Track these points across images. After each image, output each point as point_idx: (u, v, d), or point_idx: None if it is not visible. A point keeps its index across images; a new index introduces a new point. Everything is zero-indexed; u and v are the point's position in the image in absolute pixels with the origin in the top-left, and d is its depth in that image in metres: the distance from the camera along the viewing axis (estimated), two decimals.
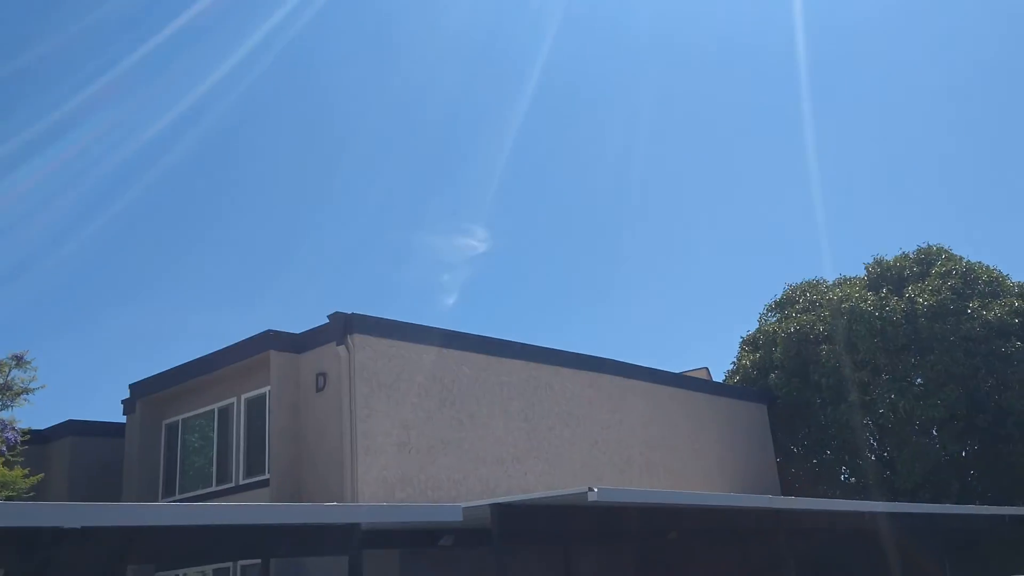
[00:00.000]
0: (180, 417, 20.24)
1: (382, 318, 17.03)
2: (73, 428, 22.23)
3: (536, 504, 9.80)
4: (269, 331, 17.18)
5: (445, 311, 48.65)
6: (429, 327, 17.97)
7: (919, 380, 24.63)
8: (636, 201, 47.43)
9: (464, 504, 11.77)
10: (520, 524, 9.86)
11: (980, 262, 25.88)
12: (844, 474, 25.73)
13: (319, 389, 16.93)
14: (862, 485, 25.43)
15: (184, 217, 43.04)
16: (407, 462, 16.86)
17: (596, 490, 8.98)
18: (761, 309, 28.90)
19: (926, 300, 24.48)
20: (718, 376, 28.88)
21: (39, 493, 16.85)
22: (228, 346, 18.09)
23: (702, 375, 27.19)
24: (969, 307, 24.20)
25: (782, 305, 28.15)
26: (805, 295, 27.62)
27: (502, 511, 9.67)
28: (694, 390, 25.04)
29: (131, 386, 20.68)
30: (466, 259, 46.88)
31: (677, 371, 27.55)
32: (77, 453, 22.30)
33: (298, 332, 17.57)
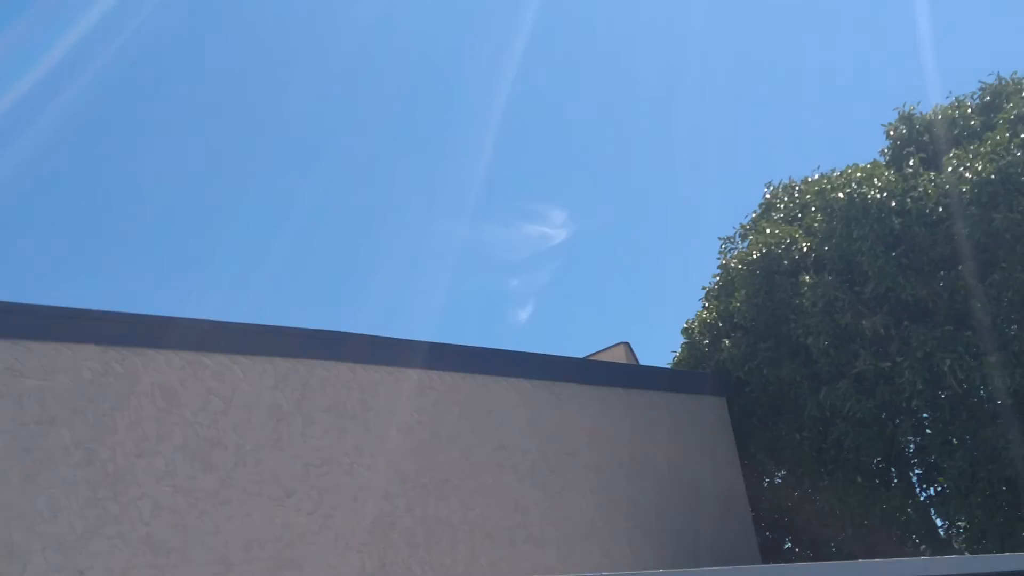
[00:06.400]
0: None
1: None
2: None
3: None
4: None
5: (517, 330, 38.03)
6: None
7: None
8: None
9: None
10: None
11: None
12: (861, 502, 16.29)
13: None
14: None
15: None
16: None
17: None
18: (731, 231, 19.19)
19: (980, 170, 14.57)
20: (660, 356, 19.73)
21: None
22: None
23: (616, 355, 17.79)
24: None
25: (758, 221, 18.42)
26: (790, 196, 17.87)
27: None
28: (578, 381, 16.09)
29: None
30: (540, 253, 36.84)
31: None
32: None
33: None
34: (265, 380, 12.85)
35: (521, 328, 36.70)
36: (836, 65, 35.49)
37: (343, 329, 14.02)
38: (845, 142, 35.48)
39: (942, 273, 15.19)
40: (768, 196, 18.67)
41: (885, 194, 15.29)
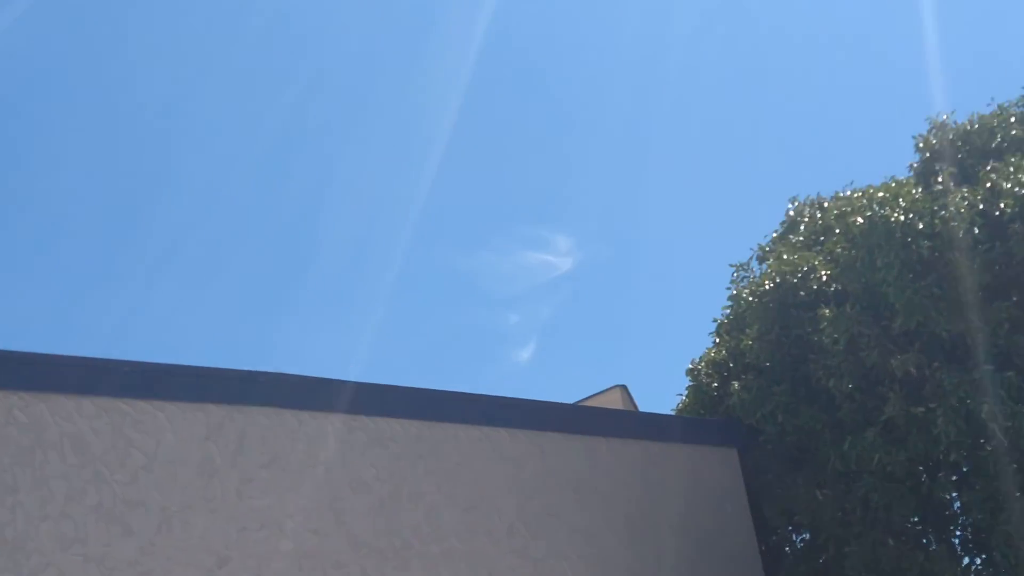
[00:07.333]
0: None
1: None
2: None
3: None
4: None
5: (517, 371, 35.46)
6: None
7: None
8: None
9: None
10: None
11: None
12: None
13: None
14: None
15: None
16: None
17: None
18: (747, 255, 17.89)
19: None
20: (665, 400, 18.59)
21: None
22: None
23: (612, 400, 16.49)
24: None
25: (777, 243, 17.37)
26: (813, 216, 16.82)
27: None
28: (565, 431, 15.08)
29: None
30: (542, 285, 34.66)
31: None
32: None
33: None
34: (195, 430, 11.62)
35: (522, 369, 34.79)
36: (877, 68, 34.14)
37: (315, 374, 12.82)
38: (887, 155, 34.31)
39: (982, 304, 13.84)
40: (791, 213, 17.34)
41: (911, 216, 13.96)
